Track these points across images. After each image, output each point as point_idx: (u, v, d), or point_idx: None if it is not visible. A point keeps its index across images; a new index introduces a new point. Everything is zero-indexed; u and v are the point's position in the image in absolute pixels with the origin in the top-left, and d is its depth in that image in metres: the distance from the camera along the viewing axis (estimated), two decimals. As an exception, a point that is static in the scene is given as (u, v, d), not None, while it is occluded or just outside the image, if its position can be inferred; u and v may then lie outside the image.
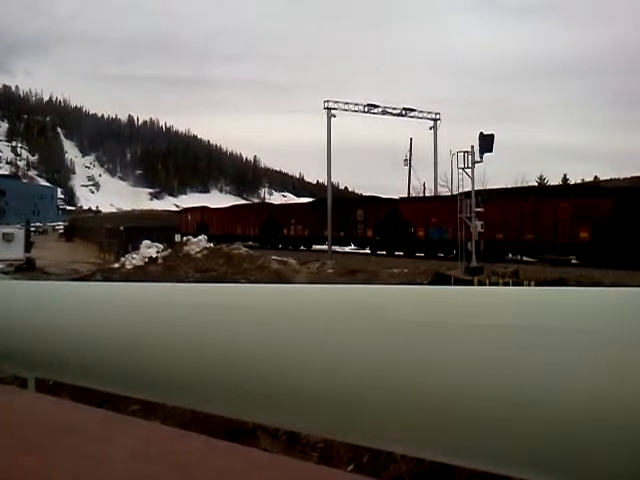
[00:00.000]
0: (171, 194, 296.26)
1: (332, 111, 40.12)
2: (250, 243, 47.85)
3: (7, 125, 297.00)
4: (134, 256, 28.62)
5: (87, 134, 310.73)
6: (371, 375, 0.79)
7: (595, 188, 32.80)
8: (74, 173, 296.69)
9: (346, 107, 41.80)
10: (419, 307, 0.83)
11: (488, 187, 37.64)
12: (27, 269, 28.66)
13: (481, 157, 26.61)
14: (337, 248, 41.67)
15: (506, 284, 17.92)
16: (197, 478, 0.93)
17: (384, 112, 44.21)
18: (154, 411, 4.07)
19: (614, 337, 0.64)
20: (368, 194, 48.17)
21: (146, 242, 29.90)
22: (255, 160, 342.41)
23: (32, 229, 49.67)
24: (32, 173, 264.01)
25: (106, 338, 1.20)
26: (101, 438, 1.11)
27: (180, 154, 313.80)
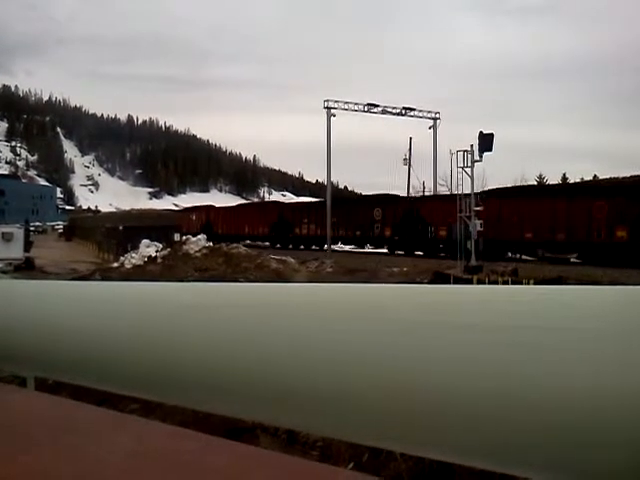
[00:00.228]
0: (170, 193, 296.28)
1: (332, 110, 40.16)
2: (259, 243, 47.38)
3: (6, 125, 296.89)
4: (133, 255, 28.64)
5: (86, 134, 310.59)
6: (370, 374, 0.79)
7: (633, 186, 31.46)
8: (73, 173, 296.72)
9: (346, 106, 41.85)
10: (418, 306, 0.83)
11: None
12: (26, 268, 28.68)
13: (481, 156, 26.64)
14: (343, 248, 41.12)
15: (505, 283, 17.94)
16: (197, 476, 0.93)
17: (384, 111, 44.26)
18: (153, 410, 4.08)
19: (614, 336, 0.64)
20: (384, 192, 46.67)
21: (145, 241, 29.92)
22: (254, 159, 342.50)
23: (31, 228, 49.67)
24: (31, 173, 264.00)
25: (105, 337, 1.20)
26: (100, 437, 1.11)
27: (180, 154, 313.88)
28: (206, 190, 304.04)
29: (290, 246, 44.94)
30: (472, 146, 26.29)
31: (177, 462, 0.97)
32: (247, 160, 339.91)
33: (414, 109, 44.67)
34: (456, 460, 0.82)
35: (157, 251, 28.78)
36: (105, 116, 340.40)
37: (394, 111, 44.25)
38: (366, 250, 40.83)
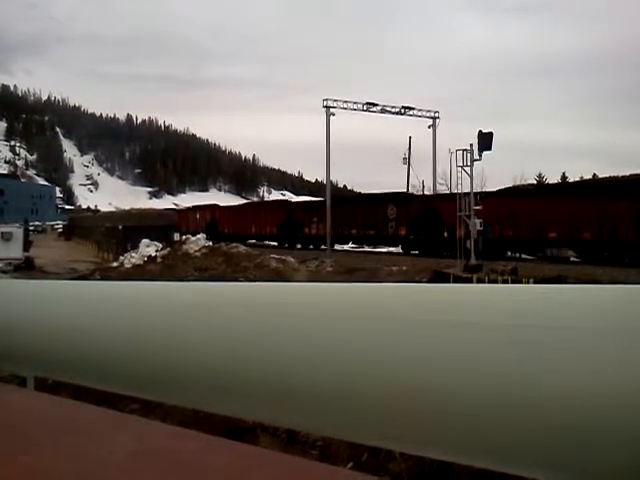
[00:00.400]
0: (170, 193, 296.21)
1: (331, 109, 40.12)
2: (266, 243, 46.11)
3: (5, 124, 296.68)
4: (133, 255, 28.63)
5: (86, 133, 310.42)
6: (370, 373, 0.79)
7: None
8: (73, 172, 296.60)
9: (345, 105, 41.82)
10: (418, 305, 0.83)
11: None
12: (26, 268, 28.66)
13: (480, 155, 26.63)
14: (355, 248, 40.19)
15: (505, 282, 17.94)
16: (198, 476, 0.93)
17: (383, 110, 44.24)
18: (153, 410, 4.08)
19: (614, 335, 0.64)
20: (399, 190, 45.69)
21: (145, 241, 29.91)
22: (254, 159, 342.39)
23: (31, 228, 49.64)
24: (31, 172, 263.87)
25: (105, 337, 1.20)
26: (101, 436, 1.11)
27: (179, 153, 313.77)
28: (205, 189, 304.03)
29: (298, 246, 43.88)
30: (471, 145, 26.30)
31: (177, 462, 0.97)
32: (246, 159, 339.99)
33: (413, 108, 44.68)
34: (456, 459, 0.82)
35: (157, 250, 28.77)
36: (104, 115, 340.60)
37: (393, 110, 44.25)
38: (381, 250, 39.75)
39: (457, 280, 20.04)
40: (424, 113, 45.09)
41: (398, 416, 0.77)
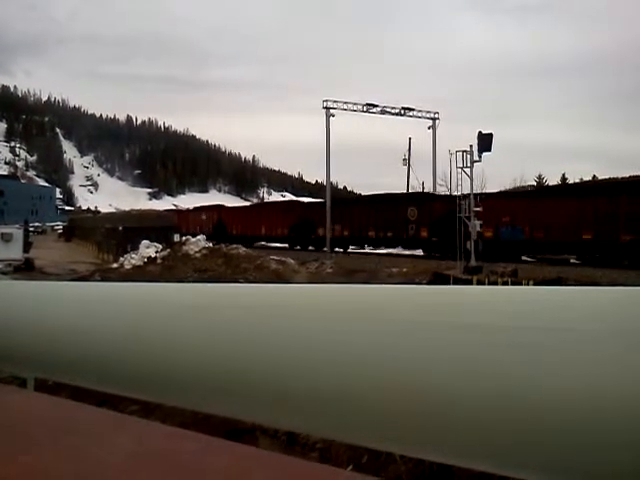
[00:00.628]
0: (170, 194, 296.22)
1: (331, 110, 40.16)
2: (276, 244, 44.96)
3: (5, 125, 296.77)
4: (133, 256, 28.64)
5: (86, 134, 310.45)
6: (370, 375, 0.79)
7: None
8: (73, 173, 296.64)
9: (345, 106, 41.87)
10: (418, 306, 0.83)
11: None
12: (26, 269, 28.66)
13: (480, 156, 26.65)
14: (371, 249, 38.99)
15: (505, 283, 17.94)
16: (197, 478, 0.93)
17: (383, 111, 44.29)
18: (152, 411, 4.07)
19: (614, 337, 0.64)
20: (418, 191, 44.28)
21: (145, 242, 29.91)
22: (254, 160, 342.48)
23: (31, 229, 49.58)
24: (31, 173, 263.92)
25: (105, 338, 1.20)
26: (100, 437, 1.11)
27: (179, 154, 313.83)
28: (205, 190, 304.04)
29: (311, 248, 42.43)
30: (471, 146, 26.32)
31: (177, 463, 0.97)
32: (246, 160, 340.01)
33: (413, 109, 44.73)
34: (456, 462, 0.82)
35: (157, 252, 28.78)
36: (104, 116, 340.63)
37: (393, 111, 44.30)
38: (402, 252, 38.63)
39: (457, 282, 20.03)
40: (424, 114, 45.15)
41: (398, 418, 0.77)
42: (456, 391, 0.71)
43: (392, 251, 38.70)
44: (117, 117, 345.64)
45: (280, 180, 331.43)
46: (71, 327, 1.32)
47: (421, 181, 55.19)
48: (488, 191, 34.70)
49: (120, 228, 37.07)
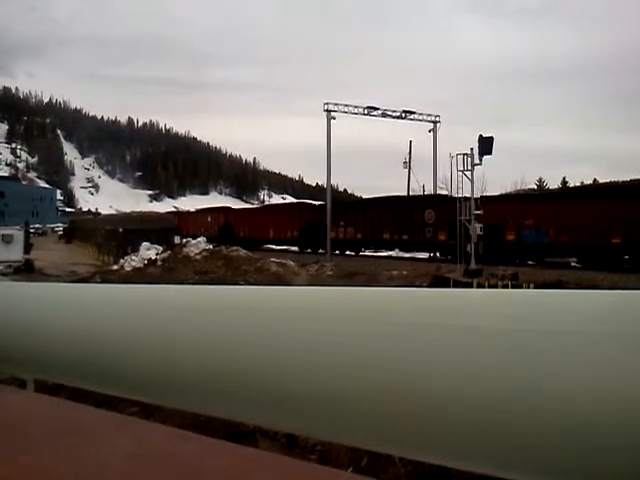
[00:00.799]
0: (171, 196, 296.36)
1: (332, 113, 40.15)
2: (286, 247, 43.89)
3: (7, 127, 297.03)
4: (133, 258, 28.66)
5: (87, 136, 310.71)
6: (370, 377, 0.79)
7: None
8: (73, 175, 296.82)
9: (346, 109, 41.87)
10: (417, 309, 0.83)
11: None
12: (26, 270, 28.66)
13: (480, 160, 26.66)
14: (384, 253, 37.84)
15: (505, 287, 17.92)
16: (198, 478, 0.93)
17: (384, 115, 44.31)
18: (152, 413, 4.07)
19: (614, 340, 0.64)
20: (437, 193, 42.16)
21: (145, 244, 29.93)
22: (255, 162, 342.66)
23: (31, 231, 49.53)
24: (31, 175, 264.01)
25: (105, 340, 1.20)
26: (101, 438, 1.11)
27: (180, 156, 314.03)
28: (206, 193, 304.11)
29: (321, 251, 40.54)
30: (472, 149, 26.34)
31: (177, 464, 0.97)
32: (247, 163, 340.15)
33: (414, 112, 44.75)
34: (455, 465, 0.82)
35: (157, 254, 28.79)
36: (105, 118, 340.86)
37: (394, 114, 44.32)
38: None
39: (457, 285, 20.02)
40: (425, 117, 45.17)
41: (398, 421, 0.77)
42: (456, 394, 0.71)
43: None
44: (118, 119, 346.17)
45: (281, 182, 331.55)
46: (71, 329, 1.32)
47: (421, 184, 55.19)
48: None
49: (120, 230, 37.07)
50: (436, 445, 0.76)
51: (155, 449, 1.06)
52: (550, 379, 0.65)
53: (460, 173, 26.84)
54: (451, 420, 0.72)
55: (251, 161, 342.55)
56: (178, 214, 65.19)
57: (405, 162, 56.23)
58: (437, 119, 45.07)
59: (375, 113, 43.78)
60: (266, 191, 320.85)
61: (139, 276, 24.04)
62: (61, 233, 75.85)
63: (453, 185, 29.53)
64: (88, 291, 1.61)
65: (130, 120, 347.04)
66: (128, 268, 27.20)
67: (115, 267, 28.62)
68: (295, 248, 44.53)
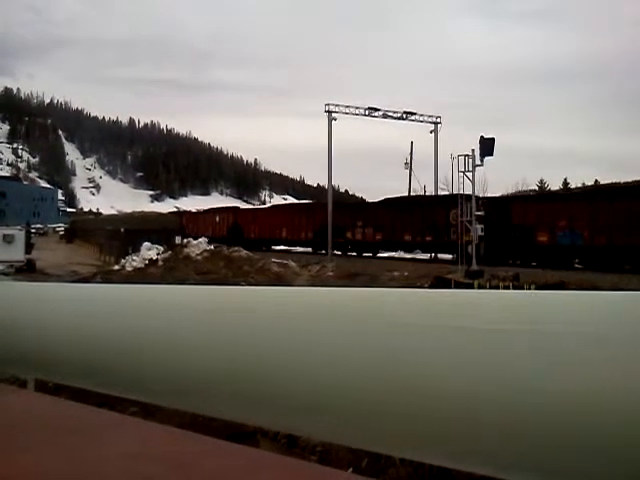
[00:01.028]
0: (172, 196, 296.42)
1: (333, 114, 40.13)
2: (298, 249, 42.44)
3: (8, 127, 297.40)
4: (134, 258, 28.67)
5: (88, 136, 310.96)
6: (370, 378, 0.79)
7: None
8: (75, 175, 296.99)
9: (347, 110, 41.84)
10: (419, 310, 0.83)
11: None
12: (27, 270, 28.67)
13: (482, 161, 26.67)
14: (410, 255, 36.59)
15: (506, 288, 17.90)
16: (198, 478, 0.93)
17: (385, 115, 44.29)
18: (153, 414, 4.07)
19: (614, 341, 0.64)
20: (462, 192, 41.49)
21: (146, 244, 29.92)
22: (256, 163, 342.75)
23: (32, 231, 49.56)
24: (33, 175, 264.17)
25: (106, 340, 1.21)
26: (101, 438, 1.11)
27: (181, 156, 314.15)
28: (207, 193, 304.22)
29: (336, 252, 38.84)
30: (473, 150, 26.35)
31: (178, 464, 0.97)
32: (248, 163, 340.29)
33: (415, 113, 44.76)
34: (456, 465, 0.82)
35: (158, 254, 28.80)
36: (107, 119, 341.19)
37: (395, 115, 44.33)
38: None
39: (458, 286, 20.00)
40: (426, 118, 45.16)
41: (398, 421, 0.77)
42: (456, 394, 0.71)
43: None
44: (119, 119, 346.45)
45: (282, 183, 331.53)
46: (72, 328, 1.32)
47: (423, 185, 55.16)
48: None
49: (122, 230, 37.09)
50: (437, 446, 0.76)
51: (156, 449, 1.06)
52: (551, 380, 0.65)
53: (461, 174, 26.84)
54: (452, 421, 0.72)
55: (252, 162, 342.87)
56: (184, 214, 63.75)
57: (406, 163, 56.23)
58: (438, 120, 45.08)
59: (376, 114, 43.78)
60: (267, 192, 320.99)
61: (140, 276, 24.04)
62: (62, 233, 75.79)
63: (454, 186, 29.45)
64: (89, 291, 1.61)
65: (131, 120, 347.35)
66: (129, 268, 27.21)
67: (116, 267, 28.63)
68: (307, 249, 43.00)
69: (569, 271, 24.86)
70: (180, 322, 1.09)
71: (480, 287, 18.82)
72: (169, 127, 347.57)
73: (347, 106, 42.07)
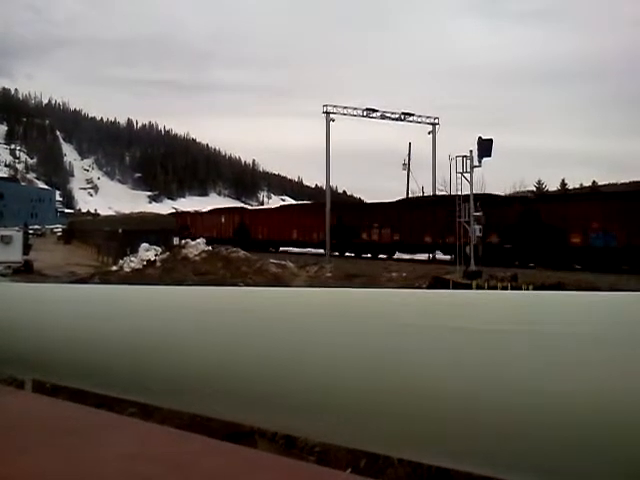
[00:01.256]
0: (170, 197, 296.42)
1: (331, 115, 40.15)
2: (309, 250, 41.52)
3: (6, 128, 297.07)
4: (132, 259, 28.67)
5: (86, 137, 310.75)
6: (368, 378, 0.79)
7: None
8: (73, 176, 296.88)
9: (345, 111, 41.88)
10: (417, 311, 0.83)
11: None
12: (25, 271, 28.67)
13: (480, 162, 26.71)
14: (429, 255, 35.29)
15: (504, 288, 17.91)
16: (196, 478, 0.93)
17: (383, 116, 44.33)
18: (151, 414, 4.07)
19: (612, 341, 0.64)
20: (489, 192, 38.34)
21: (144, 245, 29.93)
22: (254, 164, 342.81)
23: (30, 232, 49.48)
24: (31, 176, 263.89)
25: (104, 341, 1.20)
26: (100, 438, 1.11)
27: (179, 157, 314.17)
28: (205, 194, 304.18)
29: (349, 253, 38.84)
30: (471, 151, 26.38)
31: (176, 464, 0.97)
32: (246, 164, 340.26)
33: (413, 114, 44.80)
34: (454, 465, 0.82)
35: (156, 255, 28.80)
36: (105, 119, 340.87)
37: (393, 116, 44.36)
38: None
39: (457, 286, 20.01)
40: (424, 119, 45.21)
41: (396, 422, 0.77)
42: (455, 395, 0.71)
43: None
44: (117, 120, 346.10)
45: (280, 184, 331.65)
46: (70, 330, 1.32)
47: (421, 186, 55.16)
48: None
49: (120, 231, 37.06)
50: (435, 446, 0.76)
51: (154, 449, 1.06)
52: (549, 381, 0.65)
53: (459, 175, 26.87)
54: (450, 421, 0.72)
55: (250, 162, 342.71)
56: (188, 215, 62.99)
57: (404, 164, 56.24)
58: (436, 121, 45.13)
59: (374, 115, 43.82)
60: (265, 192, 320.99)
61: (138, 277, 24.05)
62: (60, 234, 75.73)
63: (452, 187, 29.42)
64: (87, 292, 1.61)
65: (129, 121, 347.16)
66: (127, 269, 27.21)
67: (114, 268, 28.62)
68: (319, 250, 41.31)
69: (607, 274, 23.25)
70: (178, 323, 1.09)
71: (478, 287, 18.83)
72: (167, 128, 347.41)
73: (345, 107, 42.14)
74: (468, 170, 26.38)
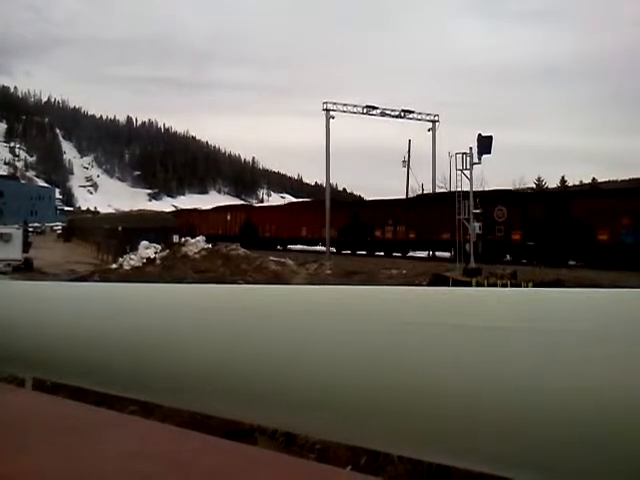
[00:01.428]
0: (170, 195, 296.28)
1: (331, 112, 40.08)
2: (319, 247, 40.41)
3: (5, 126, 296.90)
4: (132, 257, 28.66)
5: (85, 135, 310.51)
6: (369, 376, 0.79)
7: None
8: (72, 174, 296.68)
9: (345, 109, 41.81)
10: (417, 308, 0.83)
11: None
12: (25, 269, 28.68)
13: (479, 159, 26.69)
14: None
15: (504, 285, 17.91)
16: (196, 476, 0.93)
17: (383, 114, 44.26)
18: (152, 412, 4.07)
19: (612, 338, 0.64)
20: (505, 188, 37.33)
21: (144, 243, 29.93)
22: (253, 161, 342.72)
23: (30, 229, 49.49)
24: (30, 174, 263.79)
25: (104, 339, 1.20)
26: (99, 436, 1.11)
27: (179, 155, 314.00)
28: (205, 192, 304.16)
29: (362, 252, 37.76)
30: (471, 149, 26.38)
31: (176, 462, 0.97)
32: (246, 162, 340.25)
33: (413, 112, 44.74)
34: (455, 463, 0.82)
35: (156, 252, 28.81)
36: (104, 117, 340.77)
37: (393, 113, 44.31)
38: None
39: (456, 284, 20.01)
40: (424, 117, 45.16)
41: (397, 419, 0.77)
42: (455, 392, 0.71)
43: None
44: (117, 118, 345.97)
45: (279, 181, 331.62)
46: (70, 327, 1.32)
47: (420, 183, 55.14)
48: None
49: (119, 229, 37.06)
50: (436, 443, 0.76)
51: (155, 447, 1.06)
52: (549, 377, 0.65)
53: (459, 172, 26.87)
54: (450, 418, 0.72)
55: (250, 160, 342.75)
56: (192, 212, 61.90)
57: (404, 161, 56.20)
58: (436, 118, 45.08)
59: (374, 112, 43.74)
60: (265, 190, 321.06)
61: (138, 275, 24.06)
62: (60, 232, 75.69)
63: (452, 184, 29.38)
64: (87, 290, 1.61)
65: (129, 119, 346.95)
66: (127, 267, 27.21)
67: (114, 266, 28.62)
68: (330, 248, 39.80)
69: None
70: (178, 320, 1.09)
71: (478, 285, 18.84)
72: (167, 125, 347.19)
73: (345, 104, 42.04)
74: (468, 167, 26.38)
